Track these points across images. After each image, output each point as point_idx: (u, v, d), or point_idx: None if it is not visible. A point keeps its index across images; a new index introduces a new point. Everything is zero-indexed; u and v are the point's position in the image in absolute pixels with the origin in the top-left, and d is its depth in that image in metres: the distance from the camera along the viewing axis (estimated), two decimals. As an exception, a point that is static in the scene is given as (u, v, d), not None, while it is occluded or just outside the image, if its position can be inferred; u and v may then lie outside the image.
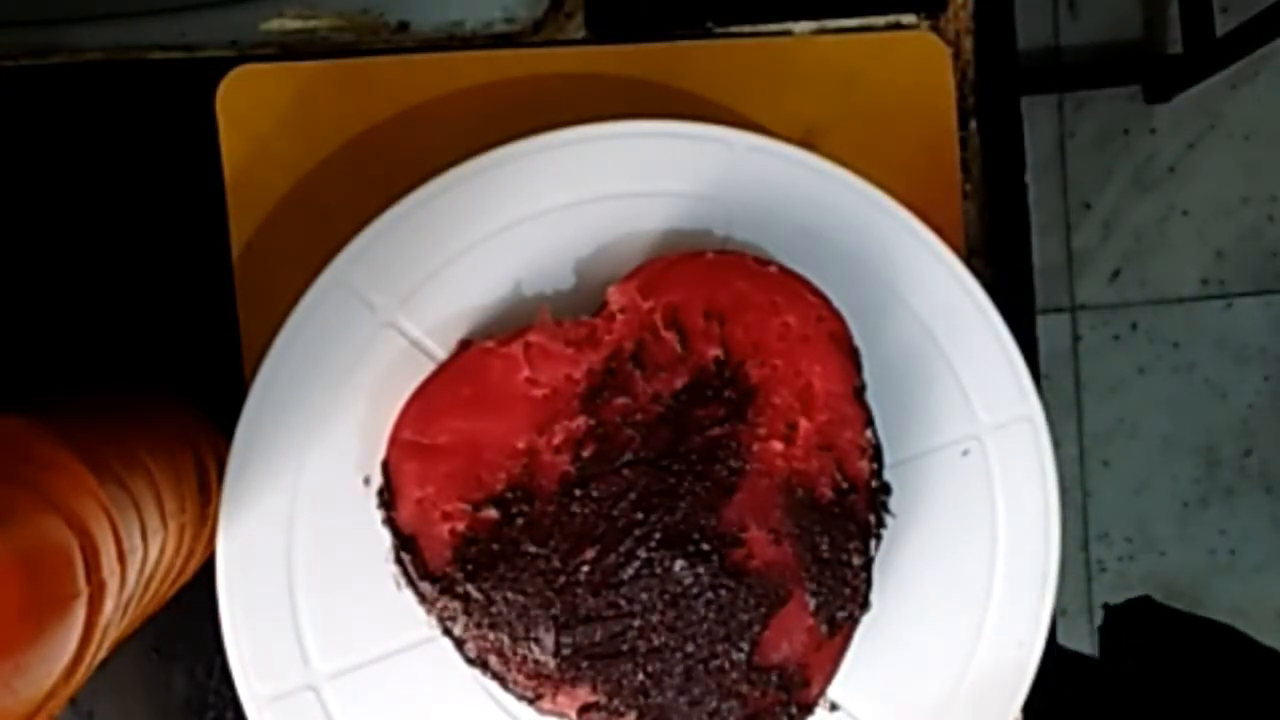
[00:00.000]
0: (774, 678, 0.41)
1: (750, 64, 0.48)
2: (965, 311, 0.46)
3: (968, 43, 0.49)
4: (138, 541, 0.35)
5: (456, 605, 0.41)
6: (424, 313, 0.43)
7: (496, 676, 0.41)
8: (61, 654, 0.31)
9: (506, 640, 0.41)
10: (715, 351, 0.42)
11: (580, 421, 0.41)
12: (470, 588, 0.41)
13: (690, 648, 0.41)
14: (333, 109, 0.46)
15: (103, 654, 0.34)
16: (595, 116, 0.44)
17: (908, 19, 0.49)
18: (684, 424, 0.42)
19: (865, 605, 0.42)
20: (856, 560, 0.42)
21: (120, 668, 0.44)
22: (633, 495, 0.41)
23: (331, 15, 0.46)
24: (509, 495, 0.41)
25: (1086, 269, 1.33)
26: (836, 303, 0.43)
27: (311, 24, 0.47)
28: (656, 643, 0.41)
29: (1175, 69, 1.30)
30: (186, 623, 0.44)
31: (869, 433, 0.43)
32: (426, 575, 0.41)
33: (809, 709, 0.42)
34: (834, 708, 0.45)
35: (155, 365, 0.46)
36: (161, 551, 0.38)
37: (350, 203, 0.44)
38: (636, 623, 0.41)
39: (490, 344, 0.42)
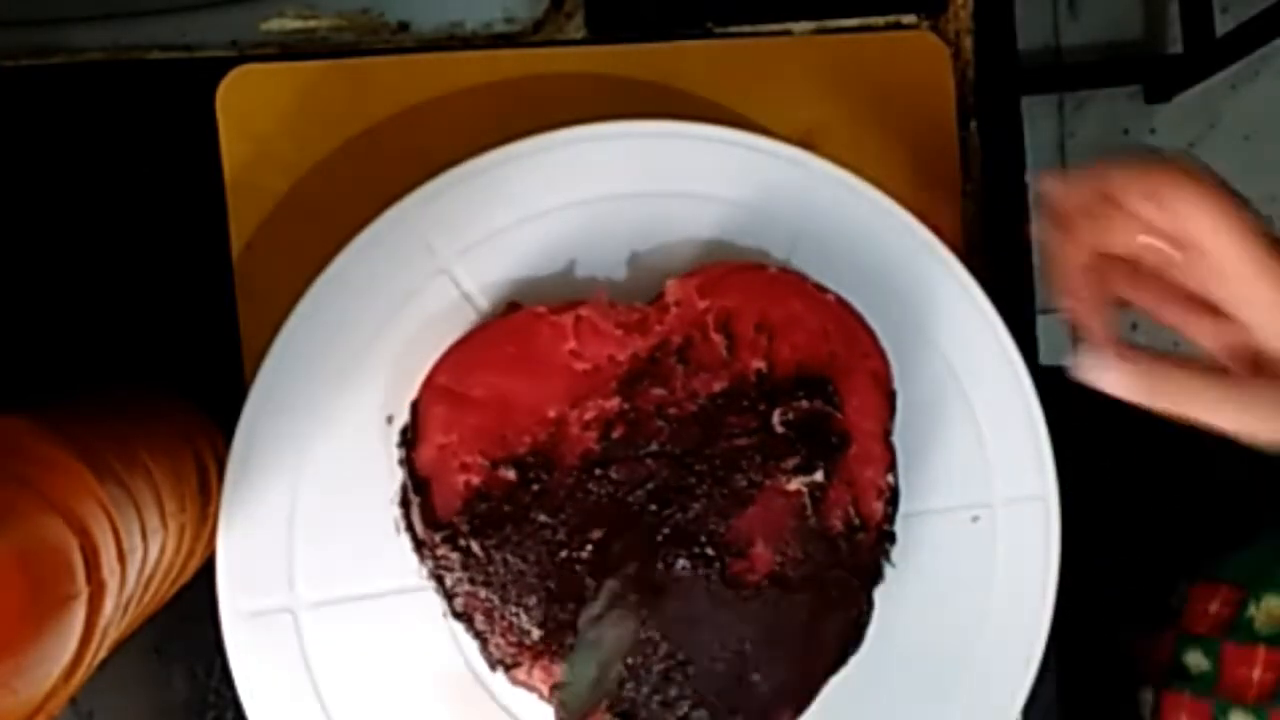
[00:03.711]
0: (749, 696, 0.41)
1: (750, 64, 0.48)
2: (1003, 379, 0.46)
3: (968, 43, 0.49)
4: (138, 541, 0.35)
5: (455, 557, 0.41)
6: (480, 268, 0.44)
7: (479, 635, 0.41)
8: (61, 654, 0.31)
9: (497, 601, 0.41)
10: (759, 364, 0.42)
11: (614, 403, 0.42)
12: (473, 543, 0.41)
13: (674, 649, 0.41)
14: (333, 109, 0.46)
15: (103, 654, 0.34)
16: (597, 116, 0.44)
17: (908, 19, 0.49)
18: (714, 427, 0.42)
19: (856, 643, 0.43)
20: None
21: (120, 668, 0.44)
22: (650, 486, 0.41)
23: (331, 15, 0.46)
24: (530, 460, 0.41)
25: (1086, 269, 1.33)
26: (884, 343, 0.43)
27: (311, 24, 0.47)
28: (642, 637, 0.41)
29: (1175, 69, 1.30)
30: (186, 623, 0.44)
31: (890, 476, 0.43)
32: (433, 521, 0.41)
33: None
34: None
35: (155, 365, 0.46)
36: (161, 551, 0.38)
37: (350, 203, 0.44)
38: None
39: (542, 309, 0.42)
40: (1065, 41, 1.36)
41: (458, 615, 0.42)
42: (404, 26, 0.47)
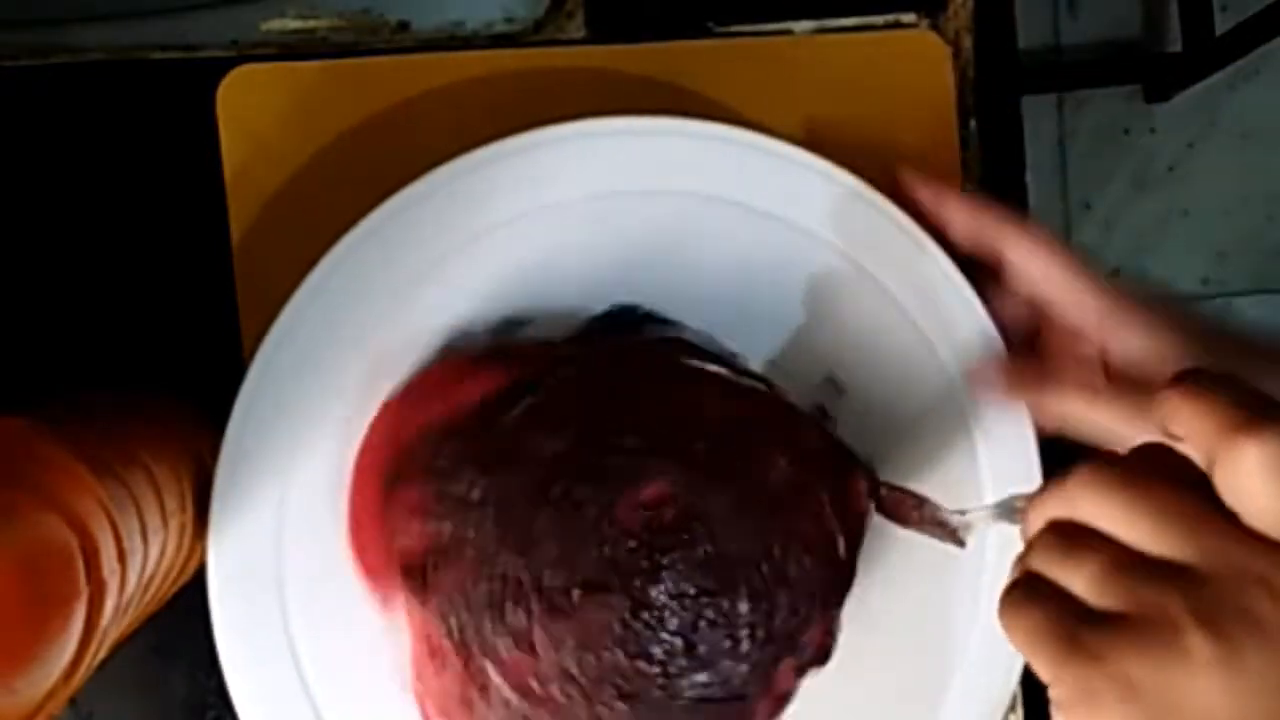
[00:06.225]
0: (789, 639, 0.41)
1: (750, 64, 0.48)
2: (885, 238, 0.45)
3: (968, 42, 0.49)
4: (138, 541, 0.35)
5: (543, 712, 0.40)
6: (303, 501, 0.43)
7: None
8: (61, 654, 0.31)
9: (579, 696, 0.40)
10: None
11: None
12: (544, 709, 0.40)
13: (724, 643, 0.40)
14: (332, 109, 0.46)
15: (103, 654, 0.34)
16: (597, 114, 0.44)
17: (908, 18, 0.49)
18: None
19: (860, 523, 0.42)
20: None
21: (120, 668, 0.44)
22: (603, 553, 0.40)
23: (331, 15, 0.46)
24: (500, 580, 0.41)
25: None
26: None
27: (311, 24, 0.47)
28: (699, 652, 0.40)
29: (1175, 69, 1.30)
30: (186, 623, 0.44)
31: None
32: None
33: (825, 657, 0.42)
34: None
35: (155, 364, 0.46)
36: (161, 551, 0.38)
37: (349, 203, 0.44)
38: (678, 656, 0.40)
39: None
40: (1065, 41, 1.36)
41: None
42: (404, 26, 0.47)
